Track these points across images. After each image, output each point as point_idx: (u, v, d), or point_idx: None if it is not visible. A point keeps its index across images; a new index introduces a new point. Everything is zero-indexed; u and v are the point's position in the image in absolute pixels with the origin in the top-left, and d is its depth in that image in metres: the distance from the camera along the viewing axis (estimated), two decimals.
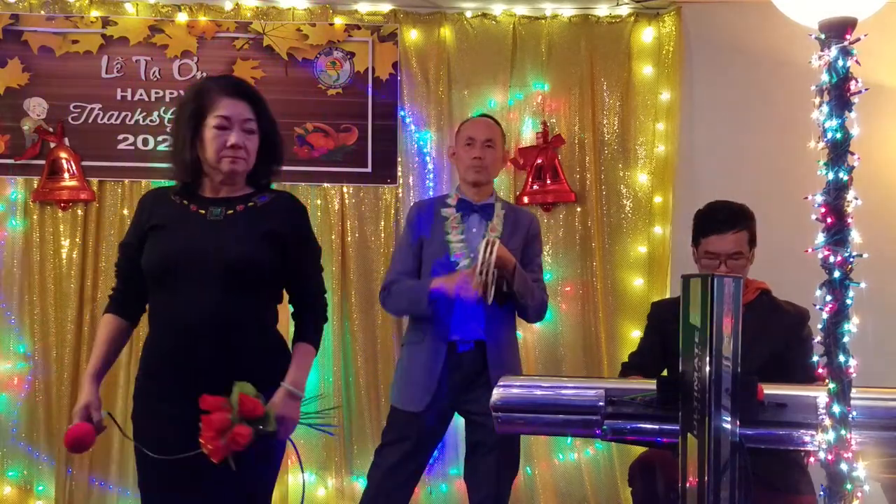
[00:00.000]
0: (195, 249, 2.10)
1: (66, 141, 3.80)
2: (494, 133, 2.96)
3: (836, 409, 1.64)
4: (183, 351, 2.08)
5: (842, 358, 1.65)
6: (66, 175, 3.77)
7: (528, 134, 3.98)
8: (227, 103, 2.16)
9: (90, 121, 3.83)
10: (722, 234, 2.60)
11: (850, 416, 1.65)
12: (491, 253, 2.62)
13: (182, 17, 3.86)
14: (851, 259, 1.65)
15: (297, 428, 2.19)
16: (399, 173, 3.93)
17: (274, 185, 2.37)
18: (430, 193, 3.89)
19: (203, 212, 2.18)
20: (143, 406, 2.19)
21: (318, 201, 3.92)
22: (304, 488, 3.00)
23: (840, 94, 1.65)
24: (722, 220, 2.62)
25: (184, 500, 2.12)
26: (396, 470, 2.84)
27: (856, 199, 1.66)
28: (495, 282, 2.71)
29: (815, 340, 1.72)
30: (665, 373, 2.72)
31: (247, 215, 2.19)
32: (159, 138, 3.83)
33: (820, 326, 1.69)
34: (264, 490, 2.22)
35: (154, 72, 3.85)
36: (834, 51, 1.65)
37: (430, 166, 3.95)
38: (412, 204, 3.33)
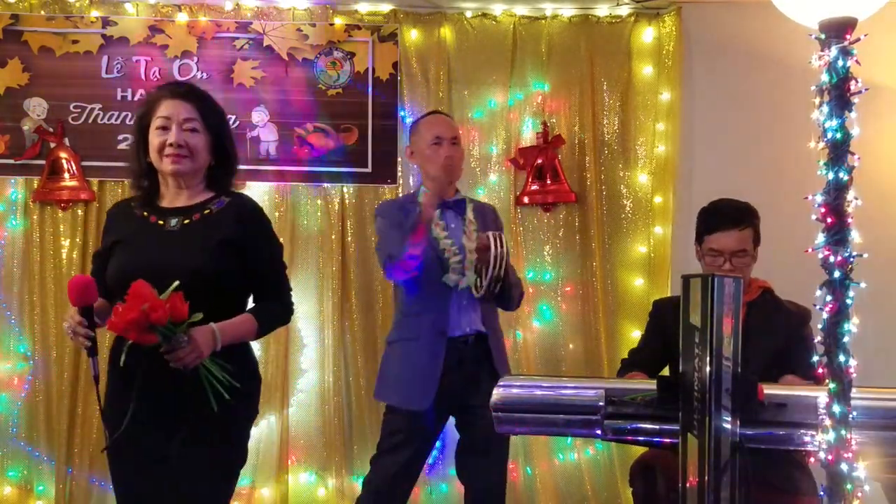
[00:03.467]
0: (151, 263, 2.10)
1: (66, 141, 3.80)
2: (457, 130, 3.00)
3: (836, 409, 1.64)
4: (143, 364, 2.05)
5: (842, 358, 1.65)
6: (66, 175, 3.77)
7: (528, 134, 3.98)
8: (167, 104, 2.19)
9: (90, 121, 3.82)
10: (727, 231, 2.59)
11: (850, 416, 1.65)
12: (501, 246, 2.62)
13: (182, 17, 3.86)
14: (851, 259, 1.65)
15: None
16: (399, 173, 3.93)
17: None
18: None
19: (161, 223, 2.19)
20: (107, 405, 2.19)
21: (318, 201, 3.91)
22: None
23: (840, 94, 1.65)
24: (727, 217, 2.60)
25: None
26: (399, 475, 2.83)
27: (856, 199, 1.66)
28: (484, 275, 2.74)
29: (816, 340, 1.72)
30: (666, 371, 2.72)
31: (202, 225, 2.19)
32: None
33: (820, 326, 1.69)
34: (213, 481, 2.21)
35: (154, 72, 3.85)
36: (834, 51, 1.65)
37: None
38: (379, 204, 3.37)
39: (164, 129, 2.17)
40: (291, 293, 2.37)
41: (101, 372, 2.13)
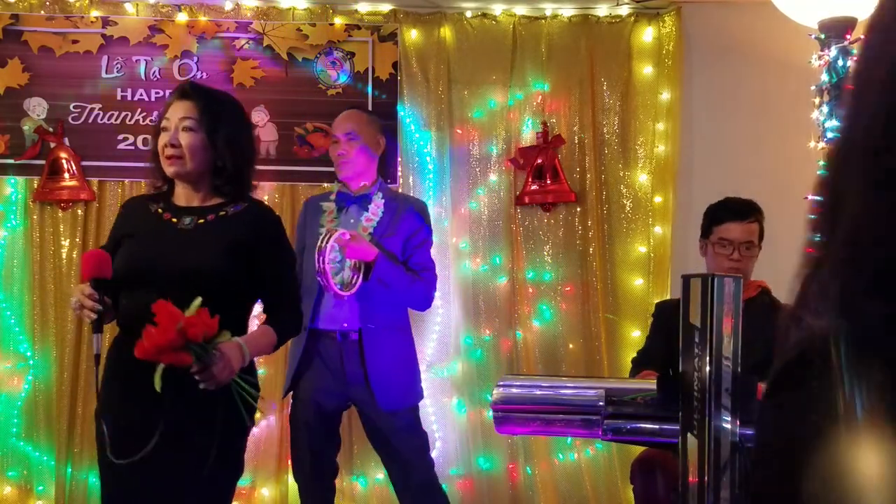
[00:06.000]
0: (156, 257, 2.08)
1: (66, 141, 3.80)
2: (354, 124, 2.97)
3: None
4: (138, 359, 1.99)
5: None
6: (66, 175, 3.77)
7: (528, 134, 3.98)
8: (173, 106, 2.16)
9: (90, 121, 3.82)
10: (738, 222, 2.65)
11: None
12: (326, 242, 2.61)
13: (182, 17, 3.86)
14: None
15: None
16: (399, 173, 3.93)
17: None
18: (431, 193, 3.90)
19: (175, 220, 2.16)
20: (105, 407, 2.13)
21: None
22: None
23: (840, 94, 1.66)
24: (738, 210, 2.68)
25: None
26: (296, 462, 2.96)
27: None
28: (358, 272, 2.74)
29: None
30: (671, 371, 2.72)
31: (216, 225, 2.14)
32: None
33: None
34: (222, 496, 2.19)
35: (154, 72, 3.85)
36: (834, 51, 1.65)
37: (430, 166, 3.95)
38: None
39: (166, 129, 2.14)
40: (301, 303, 2.35)
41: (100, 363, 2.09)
